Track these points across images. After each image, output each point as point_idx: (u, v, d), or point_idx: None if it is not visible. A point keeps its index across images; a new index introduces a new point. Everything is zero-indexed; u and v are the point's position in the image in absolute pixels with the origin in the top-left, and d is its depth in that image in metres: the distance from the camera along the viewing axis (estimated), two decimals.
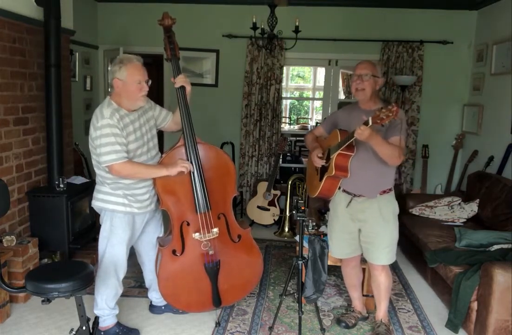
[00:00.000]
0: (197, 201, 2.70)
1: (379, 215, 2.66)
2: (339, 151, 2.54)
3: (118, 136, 2.44)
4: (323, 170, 2.72)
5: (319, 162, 2.70)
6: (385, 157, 2.48)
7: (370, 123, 2.26)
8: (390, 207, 2.71)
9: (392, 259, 2.74)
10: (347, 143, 2.48)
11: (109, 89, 2.56)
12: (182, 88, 2.69)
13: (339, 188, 2.74)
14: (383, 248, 2.68)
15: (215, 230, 2.76)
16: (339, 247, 2.84)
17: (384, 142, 2.42)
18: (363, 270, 3.05)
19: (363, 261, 2.90)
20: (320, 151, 2.72)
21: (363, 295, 3.09)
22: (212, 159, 2.80)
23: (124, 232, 2.63)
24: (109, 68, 2.53)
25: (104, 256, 2.66)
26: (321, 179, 2.71)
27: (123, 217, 2.62)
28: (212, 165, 2.79)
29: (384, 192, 2.67)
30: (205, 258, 2.77)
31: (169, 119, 2.83)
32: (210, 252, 2.75)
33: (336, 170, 2.57)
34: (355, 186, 2.67)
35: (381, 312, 2.85)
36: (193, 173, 2.67)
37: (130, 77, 2.47)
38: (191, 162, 2.66)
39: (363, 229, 2.73)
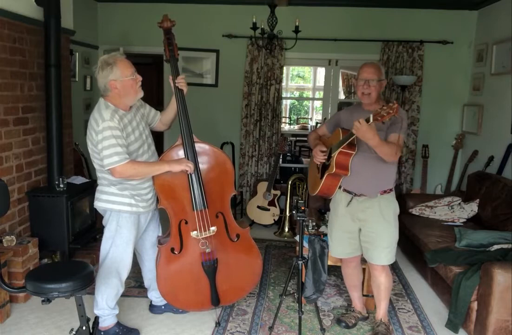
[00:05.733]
0: (194, 198, 2.71)
1: (380, 215, 2.67)
2: (340, 149, 2.57)
3: (119, 138, 2.44)
4: (324, 167, 2.73)
5: (320, 158, 2.72)
6: (382, 155, 2.51)
7: (371, 120, 2.29)
8: (391, 207, 2.72)
9: (391, 260, 2.74)
10: (348, 141, 2.51)
11: (103, 93, 2.53)
12: (181, 90, 2.73)
13: (340, 187, 2.75)
14: (383, 248, 2.69)
15: (213, 228, 2.77)
16: (339, 246, 2.85)
17: (381, 142, 2.44)
18: (363, 270, 3.04)
19: (363, 261, 2.90)
20: (323, 147, 2.74)
21: (363, 295, 3.09)
22: (210, 158, 2.81)
23: (130, 231, 2.64)
24: (96, 74, 2.50)
25: (107, 256, 2.65)
26: (321, 177, 2.73)
27: (129, 217, 2.62)
28: (209, 164, 2.80)
29: (385, 191, 2.68)
30: (202, 257, 2.78)
31: (157, 119, 2.85)
32: (207, 250, 2.76)
33: (336, 167, 2.59)
34: (356, 185, 2.68)
35: (381, 312, 2.85)
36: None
37: (124, 74, 2.47)
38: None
39: (363, 229, 2.74)
